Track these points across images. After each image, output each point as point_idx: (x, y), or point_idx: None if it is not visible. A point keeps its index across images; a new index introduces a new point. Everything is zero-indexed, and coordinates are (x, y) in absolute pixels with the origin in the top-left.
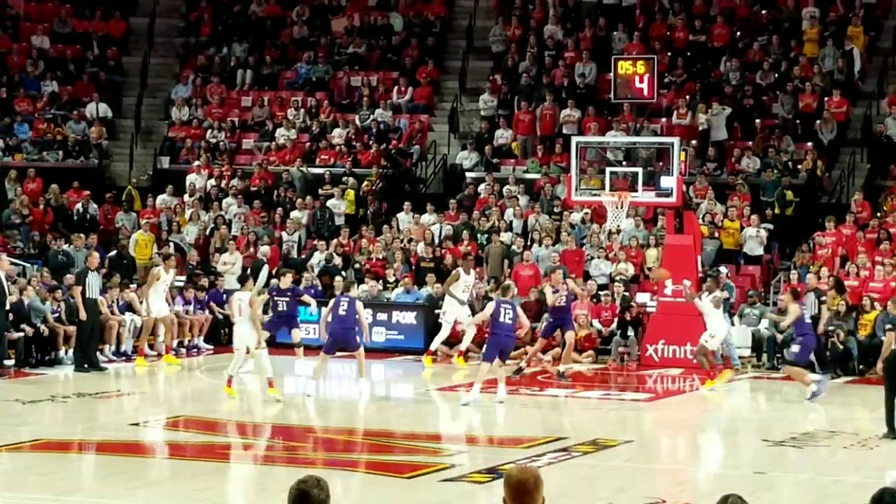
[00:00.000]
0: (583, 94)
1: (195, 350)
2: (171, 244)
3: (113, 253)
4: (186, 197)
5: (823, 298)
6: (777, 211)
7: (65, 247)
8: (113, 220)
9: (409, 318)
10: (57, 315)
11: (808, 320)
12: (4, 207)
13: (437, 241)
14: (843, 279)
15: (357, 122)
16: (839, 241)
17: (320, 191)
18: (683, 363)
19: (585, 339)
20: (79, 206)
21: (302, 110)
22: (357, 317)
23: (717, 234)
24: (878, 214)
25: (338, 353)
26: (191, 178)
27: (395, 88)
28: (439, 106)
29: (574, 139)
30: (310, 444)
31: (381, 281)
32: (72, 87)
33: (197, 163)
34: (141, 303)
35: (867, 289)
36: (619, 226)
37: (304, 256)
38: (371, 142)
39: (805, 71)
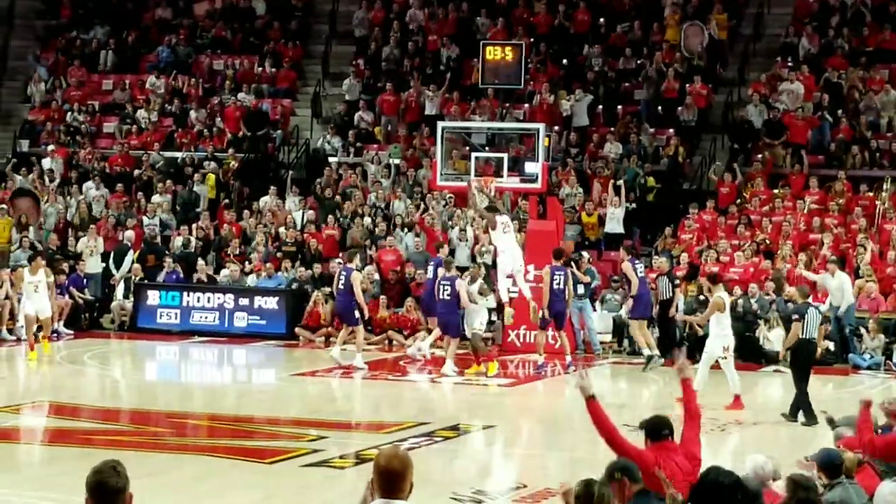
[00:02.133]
0: (447, 78)
1: (55, 335)
2: (28, 242)
3: None
4: (46, 181)
5: (677, 282)
6: (638, 196)
7: None
8: None
9: (271, 303)
10: None
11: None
12: None
13: (299, 225)
14: (700, 265)
15: (218, 105)
16: (702, 226)
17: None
18: (546, 349)
19: None
20: None
21: (163, 93)
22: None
23: (577, 220)
24: (739, 201)
25: (198, 338)
26: (46, 162)
27: (258, 72)
28: (302, 90)
29: (439, 124)
30: (171, 429)
31: (242, 266)
32: None
33: (51, 147)
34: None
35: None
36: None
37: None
38: (235, 127)
39: (667, 57)
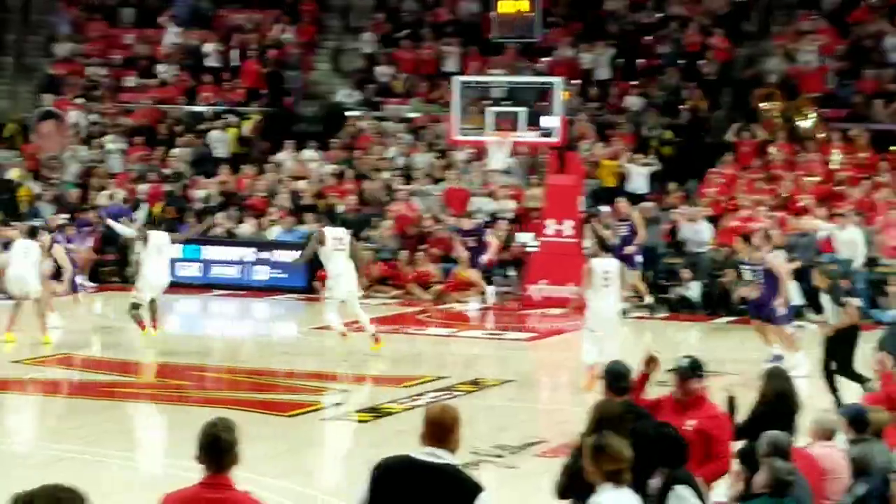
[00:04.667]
0: (465, 32)
1: (79, 288)
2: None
3: None
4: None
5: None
6: (658, 150)
7: None
8: None
9: (290, 256)
10: None
11: None
12: None
13: (318, 179)
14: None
15: (238, 59)
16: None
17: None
18: (565, 303)
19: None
20: None
21: (183, 47)
22: None
23: (596, 174)
24: (759, 156)
25: (217, 291)
26: (71, 116)
27: (278, 26)
28: (322, 44)
29: (456, 78)
30: (192, 382)
31: (262, 219)
32: None
33: (77, 100)
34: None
35: (748, 229)
36: (501, 165)
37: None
38: (255, 81)
39: (689, 10)
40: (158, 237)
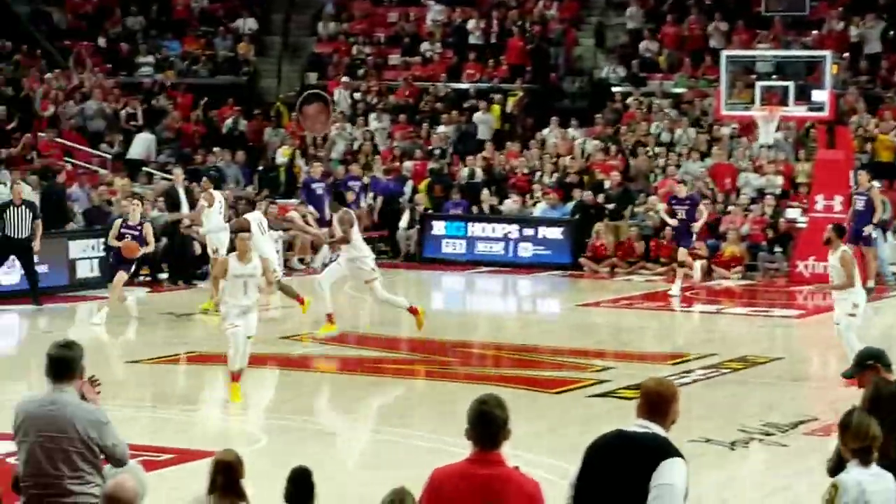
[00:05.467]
0: (731, 6)
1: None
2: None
3: (261, 169)
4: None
5: None
6: None
7: (219, 163)
8: (261, 136)
9: (555, 233)
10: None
11: None
12: (157, 123)
13: (583, 155)
14: None
15: (502, 36)
16: None
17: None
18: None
19: (736, 254)
20: (228, 121)
21: (446, 25)
22: None
23: (868, 149)
24: None
25: (482, 268)
26: (336, 94)
27: (541, 3)
28: (586, 20)
29: (723, 52)
30: (457, 358)
31: (526, 196)
32: (221, 4)
33: (342, 79)
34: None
35: None
36: (769, 140)
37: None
38: (519, 58)
39: None
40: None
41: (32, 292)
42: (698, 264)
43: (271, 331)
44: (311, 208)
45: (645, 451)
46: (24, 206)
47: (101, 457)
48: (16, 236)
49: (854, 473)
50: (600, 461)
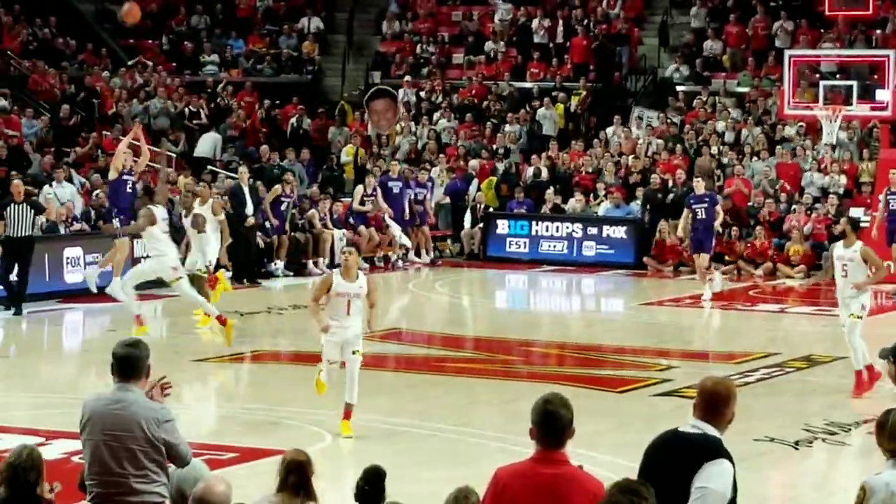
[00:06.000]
0: (795, 5)
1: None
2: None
3: (326, 167)
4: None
5: None
6: None
7: (283, 162)
8: (325, 135)
9: (619, 232)
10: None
11: None
12: (221, 122)
13: (647, 155)
14: None
15: (566, 35)
16: None
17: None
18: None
19: (800, 253)
20: (293, 120)
21: (509, 24)
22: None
23: None
24: None
25: (546, 267)
26: (400, 93)
27: (605, 2)
28: (650, 19)
29: (787, 52)
30: (520, 357)
31: (590, 195)
32: (285, 3)
33: (406, 77)
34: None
35: None
36: (832, 139)
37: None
38: (583, 56)
39: None
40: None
41: (16, 297)
42: (718, 276)
43: None
44: (384, 205)
45: (692, 452)
46: (25, 204)
47: (166, 455)
48: (16, 235)
49: (885, 475)
50: (656, 460)
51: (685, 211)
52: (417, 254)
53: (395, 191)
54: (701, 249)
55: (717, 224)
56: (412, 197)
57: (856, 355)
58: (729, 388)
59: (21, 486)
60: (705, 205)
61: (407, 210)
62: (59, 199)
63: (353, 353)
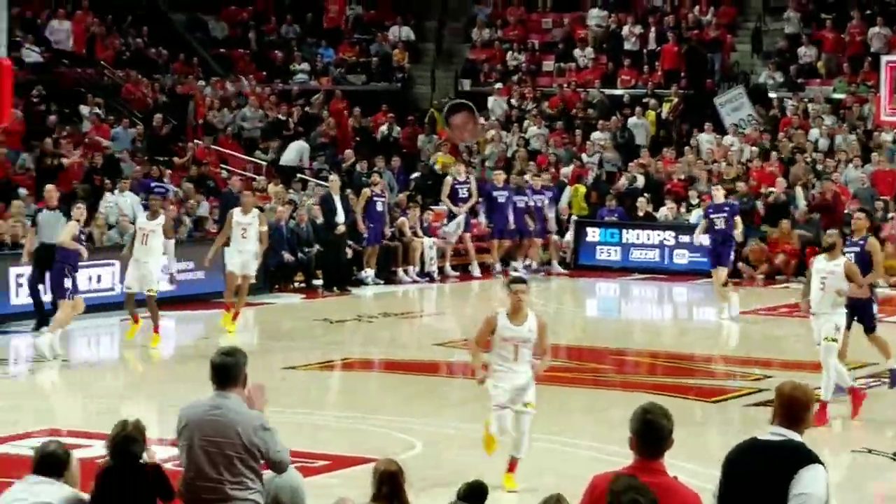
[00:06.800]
0: (893, 10)
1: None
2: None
3: (415, 175)
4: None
5: None
6: None
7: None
8: (415, 143)
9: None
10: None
11: None
12: (311, 130)
13: (740, 162)
14: None
15: (657, 41)
16: None
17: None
18: None
19: None
20: (382, 128)
21: (602, 31)
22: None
23: None
24: None
25: (637, 275)
26: (489, 101)
27: (696, 8)
28: (742, 25)
29: (883, 58)
30: (612, 365)
31: (681, 203)
32: (375, 11)
33: (496, 85)
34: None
35: None
36: None
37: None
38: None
39: None
40: None
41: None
42: (736, 297)
43: (426, 338)
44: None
45: (783, 459)
46: (57, 211)
47: (262, 462)
48: (48, 242)
49: None
50: (738, 471)
51: (702, 221)
52: (547, 263)
53: (501, 200)
54: (719, 263)
55: (738, 234)
56: (529, 204)
57: (829, 382)
58: (807, 394)
59: (127, 457)
60: (724, 214)
61: (512, 220)
62: (122, 208)
63: (525, 404)
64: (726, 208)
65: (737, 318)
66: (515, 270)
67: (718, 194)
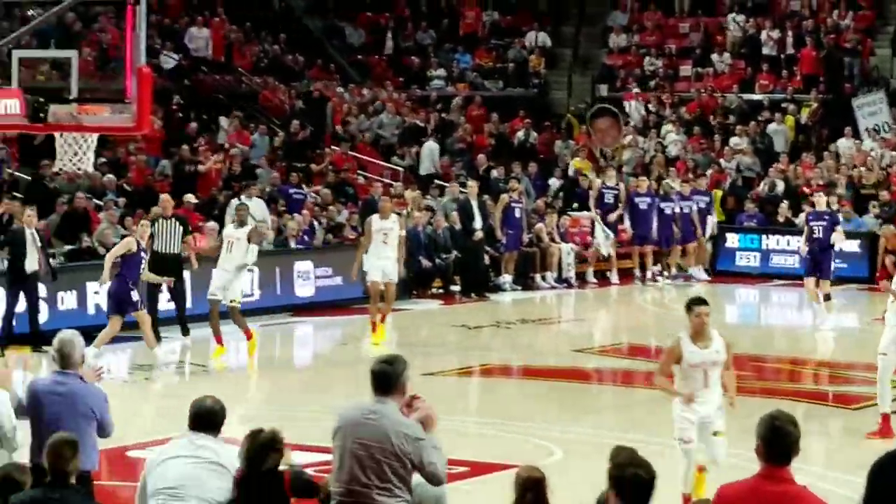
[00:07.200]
0: None
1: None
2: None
3: (558, 183)
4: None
5: None
6: None
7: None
8: (552, 148)
9: (852, 246)
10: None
11: None
12: (448, 136)
13: (880, 168)
14: None
15: (795, 46)
16: None
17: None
18: None
19: None
20: (519, 134)
21: (741, 35)
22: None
23: None
24: None
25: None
26: (627, 106)
27: (835, 13)
28: (882, 29)
29: None
30: (753, 372)
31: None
32: (511, 17)
33: (634, 90)
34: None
35: None
36: None
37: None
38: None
39: None
40: None
41: (178, 318)
42: (823, 308)
43: (564, 344)
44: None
45: None
46: (174, 220)
47: (412, 472)
48: (163, 251)
49: None
50: (885, 480)
51: (805, 228)
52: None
53: (643, 206)
54: (818, 272)
55: (837, 245)
56: (675, 211)
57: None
58: None
59: (259, 465)
60: (824, 223)
61: (655, 226)
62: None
63: (715, 433)
64: (826, 216)
65: (828, 327)
66: (654, 279)
67: (821, 201)
